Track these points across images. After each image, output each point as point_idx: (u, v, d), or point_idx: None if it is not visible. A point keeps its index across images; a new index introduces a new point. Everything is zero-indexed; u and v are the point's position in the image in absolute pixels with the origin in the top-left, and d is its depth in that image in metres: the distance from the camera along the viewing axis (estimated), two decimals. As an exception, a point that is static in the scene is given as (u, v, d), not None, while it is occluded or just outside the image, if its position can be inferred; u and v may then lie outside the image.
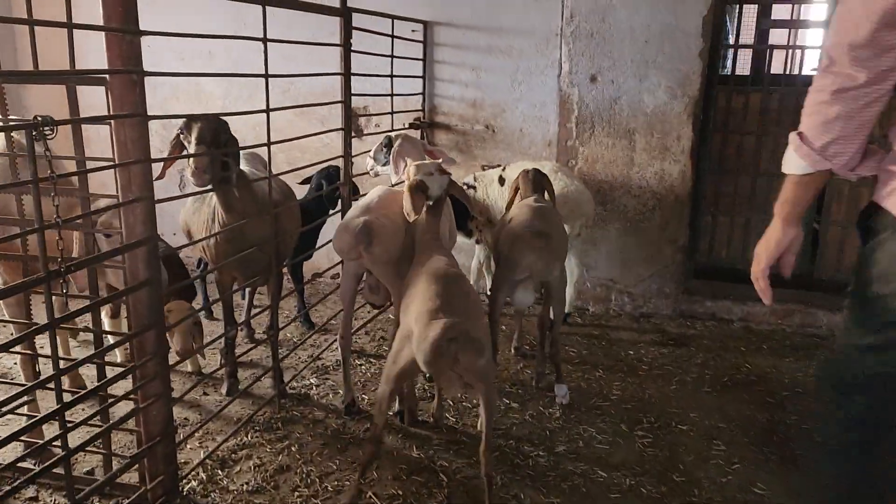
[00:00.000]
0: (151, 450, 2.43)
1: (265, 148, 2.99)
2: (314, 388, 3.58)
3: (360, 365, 3.86)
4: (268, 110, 2.91)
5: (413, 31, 4.71)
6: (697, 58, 4.31)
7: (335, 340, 4.04)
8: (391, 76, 4.39)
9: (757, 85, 4.65)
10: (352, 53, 3.76)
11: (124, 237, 2.27)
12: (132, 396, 2.39)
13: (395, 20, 4.39)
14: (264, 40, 2.86)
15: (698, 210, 4.65)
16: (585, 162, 4.64)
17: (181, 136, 2.67)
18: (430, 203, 2.83)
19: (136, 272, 2.30)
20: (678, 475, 2.88)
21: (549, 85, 4.62)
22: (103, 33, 2.11)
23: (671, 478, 2.86)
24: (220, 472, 2.80)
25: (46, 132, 1.81)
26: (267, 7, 2.85)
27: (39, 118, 1.80)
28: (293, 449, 2.98)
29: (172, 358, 2.69)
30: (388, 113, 4.45)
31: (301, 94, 5.10)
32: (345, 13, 3.57)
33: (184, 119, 2.66)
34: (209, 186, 2.72)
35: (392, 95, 4.44)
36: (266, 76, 2.89)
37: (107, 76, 2.16)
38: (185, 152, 2.66)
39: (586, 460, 2.96)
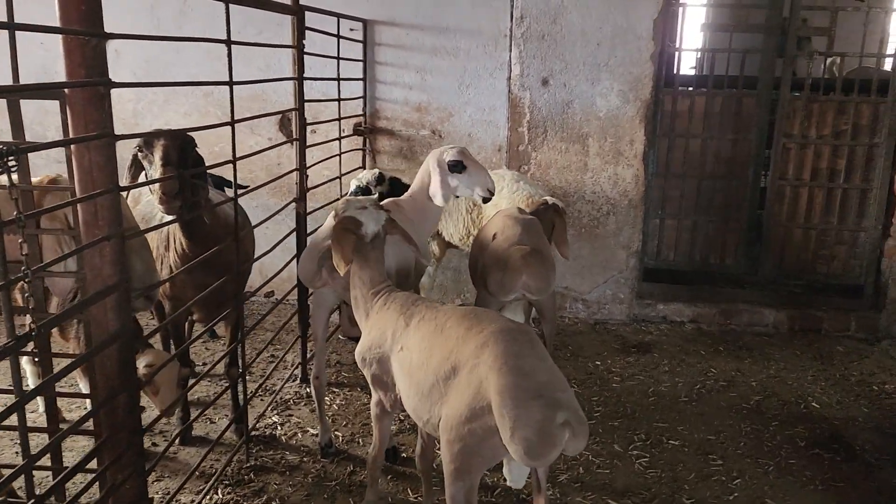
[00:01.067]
0: (125, 531, 2.04)
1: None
2: (278, 427, 3.23)
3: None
4: (232, 122, 2.55)
5: (352, 29, 4.40)
6: (649, 61, 4.26)
7: (288, 372, 3.70)
8: (338, 79, 4.07)
9: (702, 87, 4.66)
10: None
11: (87, 282, 1.88)
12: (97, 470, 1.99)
13: (340, 18, 4.06)
14: (228, 42, 2.49)
15: (647, 214, 4.62)
16: (538, 167, 4.49)
17: (140, 155, 2.27)
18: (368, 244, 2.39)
19: (104, 324, 1.91)
20: (686, 496, 2.78)
21: (499, 88, 4.44)
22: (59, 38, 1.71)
23: (681, 500, 2.75)
24: (196, 541, 2.44)
25: (10, 163, 1.42)
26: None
27: (2, 147, 1.41)
28: (275, 504, 2.65)
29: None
30: (336, 119, 4.12)
31: (225, 99, 4.63)
32: (299, 11, 3.22)
33: (142, 136, 2.26)
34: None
35: (339, 100, 4.11)
36: (231, 83, 2.53)
37: (64, 90, 1.77)
38: (147, 175, 2.26)
39: (592, 489, 2.81)
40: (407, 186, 3.37)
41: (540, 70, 4.34)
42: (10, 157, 1.43)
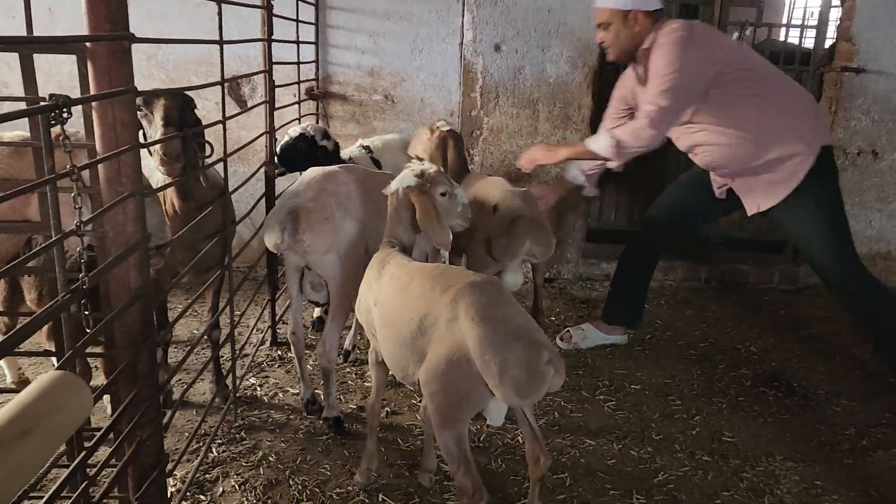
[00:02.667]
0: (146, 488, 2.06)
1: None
2: (258, 388, 3.26)
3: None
4: (223, 82, 2.52)
5: (303, -8, 4.34)
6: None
7: (257, 333, 3.71)
8: (297, 42, 4.03)
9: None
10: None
11: (108, 241, 1.87)
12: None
13: (298, -20, 4.01)
14: (219, 1, 2.46)
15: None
16: (490, 132, 4.62)
17: (138, 114, 2.23)
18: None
19: (126, 281, 1.91)
20: (655, 433, 3.02)
21: (451, 53, 4.51)
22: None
23: (650, 437, 2.99)
24: (202, 497, 2.46)
25: (65, 115, 1.42)
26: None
27: (53, 99, 1.40)
28: (271, 459, 2.69)
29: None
30: (295, 83, 4.09)
31: (171, 61, 4.52)
32: (268, -29, 3.18)
33: (140, 95, 2.21)
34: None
35: (299, 64, 4.08)
36: (220, 42, 2.50)
37: (86, 44, 1.74)
38: (146, 134, 2.23)
39: (569, 430, 3.00)
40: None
41: (492, 36, 4.44)
42: (65, 109, 1.42)
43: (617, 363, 3.66)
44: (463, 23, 4.45)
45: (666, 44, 3.03)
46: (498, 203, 3.12)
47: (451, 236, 2.53)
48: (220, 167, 2.72)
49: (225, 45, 2.58)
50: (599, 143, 3.21)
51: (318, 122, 4.56)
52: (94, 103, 1.78)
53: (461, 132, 4.59)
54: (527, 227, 3.00)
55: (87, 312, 1.56)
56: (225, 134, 2.62)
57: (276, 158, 3.38)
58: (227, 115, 2.58)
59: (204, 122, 2.59)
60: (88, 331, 1.61)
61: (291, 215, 2.64)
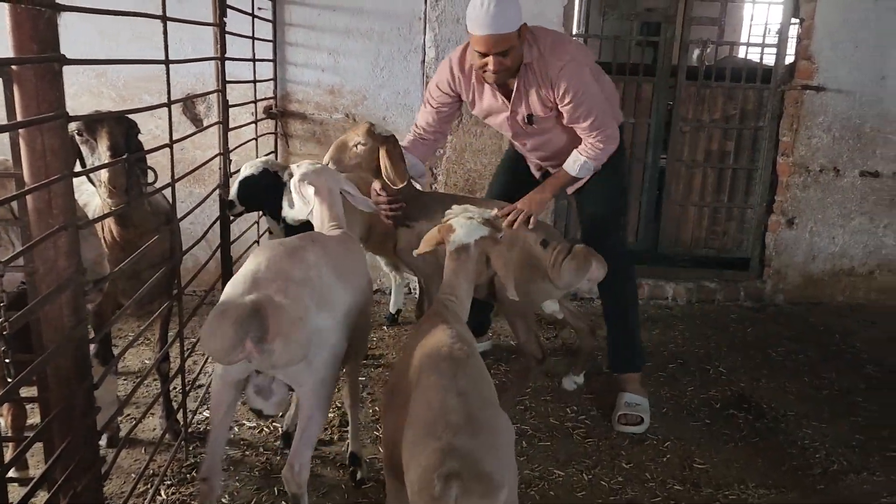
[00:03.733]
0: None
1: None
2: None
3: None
4: (169, 103, 2.39)
5: (260, 8, 4.22)
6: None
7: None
8: (253, 60, 3.90)
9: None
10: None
11: (39, 277, 1.72)
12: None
13: (255, -4, 3.90)
14: (163, 18, 2.33)
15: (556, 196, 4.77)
16: (454, 151, 4.54)
17: (78, 139, 2.09)
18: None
19: (58, 321, 1.76)
20: (625, 461, 2.94)
21: (414, 71, 4.43)
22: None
23: (621, 465, 2.91)
24: (148, 547, 2.31)
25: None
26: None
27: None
28: (224, 501, 2.54)
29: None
30: (252, 102, 3.96)
31: (121, 80, 4.36)
32: (221, -13, 3.06)
33: (73, 121, 2.07)
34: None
35: (255, 82, 3.95)
36: (167, 62, 2.37)
37: (12, 66, 1.60)
38: (89, 162, 2.08)
39: (538, 461, 2.91)
40: None
41: (455, 54, 4.37)
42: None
43: (585, 387, 3.58)
44: (425, 41, 4.37)
45: (573, 61, 2.96)
46: (545, 238, 3.03)
47: None
48: (169, 192, 2.58)
49: (181, 63, 2.46)
50: (582, 169, 3.12)
51: (276, 141, 4.43)
52: (21, 130, 1.64)
53: (424, 151, 4.51)
54: (587, 251, 2.97)
55: (7, 360, 1.42)
56: (172, 157, 2.49)
57: (234, 195, 3.20)
58: (179, 137, 2.45)
59: (159, 143, 2.45)
60: (10, 379, 1.46)
61: (256, 315, 1.85)
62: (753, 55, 5.97)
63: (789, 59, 4.75)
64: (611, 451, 3.01)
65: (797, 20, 4.61)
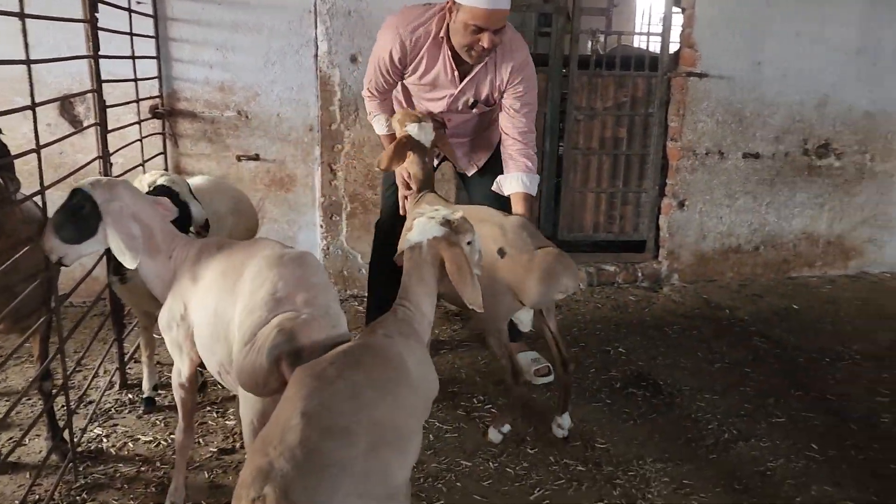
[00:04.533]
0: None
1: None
2: (104, 439, 2.95)
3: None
4: (33, 105, 2.24)
5: (139, 2, 4.03)
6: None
7: (105, 380, 3.38)
8: (132, 57, 3.72)
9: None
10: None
11: None
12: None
13: (131, -10, 3.71)
14: (21, 15, 2.18)
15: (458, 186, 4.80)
16: (352, 146, 4.48)
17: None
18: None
19: None
20: (530, 447, 2.99)
21: (307, 65, 4.34)
22: None
23: (526, 451, 2.96)
24: (33, 578, 2.17)
25: None
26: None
27: None
28: (118, 522, 2.43)
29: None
30: (135, 101, 3.78)
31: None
32: (91, -20, 2.89)
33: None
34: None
35: (136, 80, 3.77)
36: (28, 62, 2.22)
37: None
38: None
39: (446, 453, 2.91)
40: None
41: (348, 47, 4.31)
42: None
43: (492, 376, 3.62)
44: (316, 34, 4.29)
45: (529, 55, 3.11)
46: (503, 245, 2.82)
47: None
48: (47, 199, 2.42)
49: (46, 63, 2.31)
50: (534, 184, 3.22)
51: (164, 142, 4.26)
52: None
53: (321, 147, 4.44)
54: (555, 261, 2.77)
55: None
56: (40, 163, 2.34)
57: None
58: (53, 140, 2.31)
59: (32, 146, 2.29)
60: None
61: (292, 343, 1.86)
62: (646, 44, 6.16)
63: (675, 48, 4.94)
64: (516, 438, 3.05)
65: (679, 9, 4.79)
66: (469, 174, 3.59)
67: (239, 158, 4.40)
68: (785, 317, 4.50)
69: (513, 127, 3.16)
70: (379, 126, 3.44)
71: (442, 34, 3.00)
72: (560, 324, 4.27)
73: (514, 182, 3.16)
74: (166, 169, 4.26)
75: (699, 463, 2.91)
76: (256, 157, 4.43)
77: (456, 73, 3.08)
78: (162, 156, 4.22)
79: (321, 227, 4.59)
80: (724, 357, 3.92)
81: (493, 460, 2.89)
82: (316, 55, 4.33)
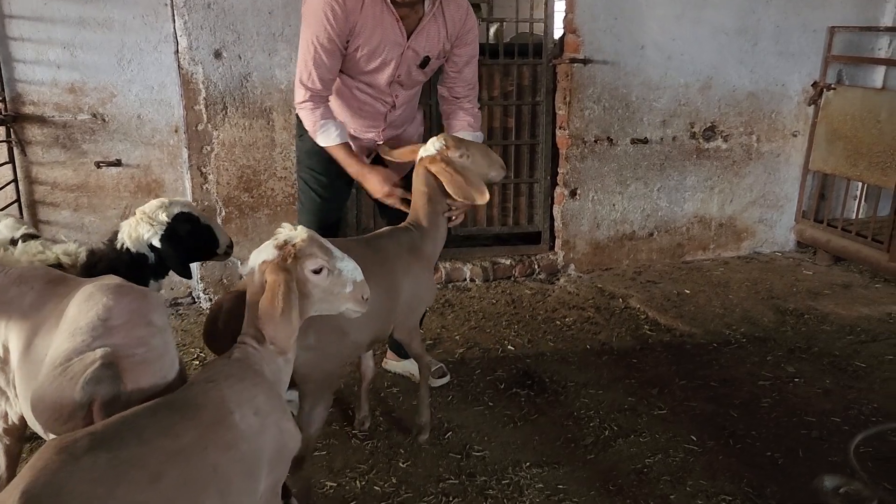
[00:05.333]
0: None
1: None
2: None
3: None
4: None
5: (-30, -1, 3.67)
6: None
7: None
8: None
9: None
10: None
11: None
12: None
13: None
14: None
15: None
16: (222, 147, 4.21)
17: None
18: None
19: None
20: (402, 461, 2.83)
21: (167, 63, 4.04)
22: None
23: (398, 466, 2.80)
24: None
25: None
26: None
27: None
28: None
29: None
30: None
31: None
32: None
33: None
34: None
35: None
36: None
37: None
38: None
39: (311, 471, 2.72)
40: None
41: (211, 42, 4.03)
42: None
43: (372, 385, 3.44)
44: (175, 28, 3.99)
45: (474, 21, 2.98)
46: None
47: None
48: None
49: None
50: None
51: (10, 151, 3.90)
52: None
53: (189, 150, 4.16)
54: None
55: None
56: None
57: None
58: None
59: None
60: None
61: (106, 370, 1.67)
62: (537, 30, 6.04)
63: (559, 34, 4.84)
64: (388, 452, 2.89)
65: (562, -5, 4.69)
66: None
67: (99, 165, 4.08)
68: (677, 303, 4.47)
69: (461, 80, 3.01)
70: (329, 136, 2.84)
71: None
72: (451, 323, 4.18)
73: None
74: (15, 179, 3.92)
75: (576, 465, 2.81)
76: (118, 163, 4.11)
77: (401, 24, 2.77)
78: (9, 165, 3.88)
79: (195, 234, 4.30)
80: (612, 348, 3.85)
81: (362, 478, 2.72)
82: (176, 51, 4.03)
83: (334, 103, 2.98)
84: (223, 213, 4.30)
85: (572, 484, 2.68)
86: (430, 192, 2.76)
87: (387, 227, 2.89)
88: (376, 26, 2.73)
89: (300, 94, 2.81)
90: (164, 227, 2.48)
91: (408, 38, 2.81)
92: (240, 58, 4.09)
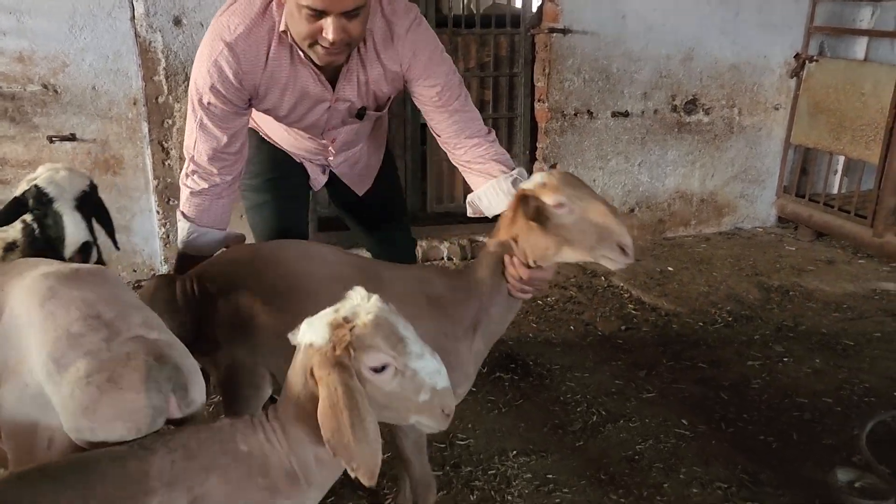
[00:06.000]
0: None
1: None
2: None
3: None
4: None
5: None
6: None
7: None
8: None
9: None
10: None
11: None
12: None
13: None
14: None
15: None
16: (185, 121, 3.94)
17: None
18: None
19: None
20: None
21: (122, 30, 3.77)
22: None
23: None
24: None
25: None
26: None
27: None
28: None
29: None
30: None
31: None
32: None
33: None
34: None
35: None
36: None
37: None
38: None
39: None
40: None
41: (169, 8, 3.78)
42: None
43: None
44: (130, -7, 3.73)
45: (428, 35, 2.21)
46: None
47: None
48: None
49: None
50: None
51: (-47, 125, 3.62)
52: None
53: (149, 123, 3.92)
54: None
55: None
56: None
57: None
58: None
59: None
60: None
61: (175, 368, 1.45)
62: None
63: (537, 4, 4.66)
64: (367, 442, 2.73)
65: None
66: (361, 193, 2.72)
67: (51, 139, 3.81)
68: (660, 280, 4.36)
69: (455, 119, 2.27)
70: (180, 235, 2.30)
71: (283, 27, 2.07)
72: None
73: (499, 196, 2.22)
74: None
75: (565, 452, 2.68)
76: (73, 138, 3.85)
77: (320, 75, 2.17)
78: (-47, 140, 3.60)
79: (157, 213, 4.08)
80: (597, 329, 3.73)
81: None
82: (133, 17, 3.77)
83: (264, 120, 2.43)
84: (187, 191, 4.07)
85: (562, 473, 2.56)
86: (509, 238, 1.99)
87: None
88: (288, 82, 2.16)
89: (186, 165, 2.24)
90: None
91: (333, 89, 2.22)
92: (202, 25, 3.83)
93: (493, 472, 2.56)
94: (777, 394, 3.08)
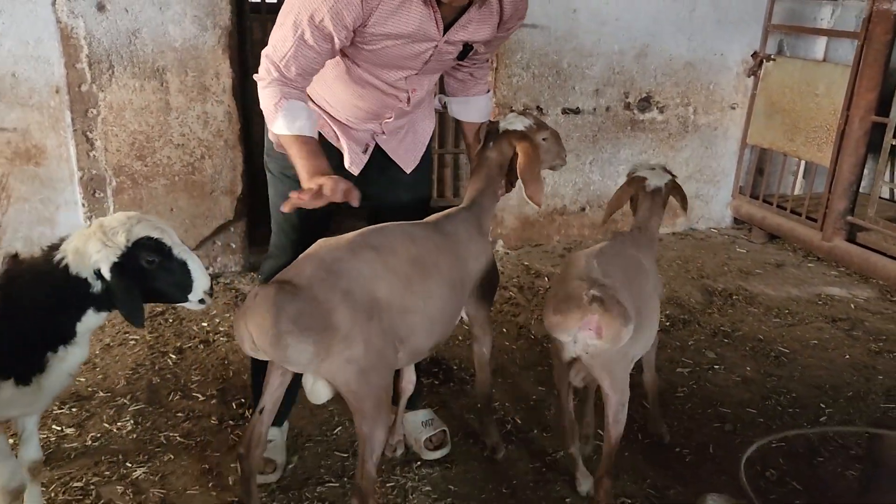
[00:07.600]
0: None
1: None
2: None
3: None
4: None
5: None
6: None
7: None
8: None
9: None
10: None
11: None
12: None
13: None
14: None
15: (252, 155, 4.25)
16: (110, 111, 3.82)
17: None
18: None
19: None
20: (297, 457, 2.57)
21: (43, 15, 3.62)
22: None
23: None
24: None
25: None
26: None
27: None
28: None
29: None
30: None
31: None
32: None
33: None
34: None
35: None
36: None
37: None
38: None
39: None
40: None
41: (92, -8, 3.64)
42: None
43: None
44: (50, -25, 3.58)
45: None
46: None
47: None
48: None
49: None
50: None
51: None
52: None
53: (72, 113, 3.78)
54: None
55: None
56: None
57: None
58: None
59: None
60: None
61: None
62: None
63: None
64: (296, 443, 2.61)
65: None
66: (409, 170, 2.54)
67: (-25, 128, 3.67)
68: (604, 281, 4.25)
69: (480, 68, 2.52)
70: (291, 122, 2.03)
71: None
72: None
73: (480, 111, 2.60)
74: None
75: (471, 464, 2.58)
76: (-8, 127, 3.71)
77: (437, 12, 2.05)
78: None
79: (83, 205, 3.94)
80: (530, 332, 3.62)
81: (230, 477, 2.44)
82: (53, 3, 3.62)
83: (324, 77, 2.23)
84: (114, 184, 3.94)
85: (464, 486, 2.46)
86: (497, 169, 2.48)
87: (450, 210, 2.45)
88: (402, 17, 2.02)
89: (266, 72, 2.04)
90: (119, 253, 1.87)
91: (444, 32, 2.11)
92: (126, 11, 3.70)
93: (392, 484, 2.45)
94: (701, 403, 2.98)
